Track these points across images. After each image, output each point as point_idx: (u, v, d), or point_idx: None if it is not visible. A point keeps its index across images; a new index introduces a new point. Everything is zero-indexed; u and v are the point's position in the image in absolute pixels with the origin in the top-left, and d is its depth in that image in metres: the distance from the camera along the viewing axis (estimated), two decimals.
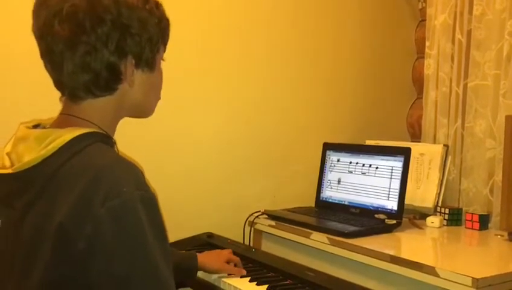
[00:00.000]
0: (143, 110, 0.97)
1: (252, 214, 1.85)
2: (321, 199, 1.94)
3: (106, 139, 0.88)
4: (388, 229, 1.65)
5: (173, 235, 1.65)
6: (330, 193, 1.91)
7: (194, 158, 1.85)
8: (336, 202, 1.89)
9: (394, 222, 1.66)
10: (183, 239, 1.71)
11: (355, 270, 1.47)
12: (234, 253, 1.52)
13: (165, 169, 1.77)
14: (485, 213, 1.79)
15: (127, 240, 0.75)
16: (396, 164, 1.73)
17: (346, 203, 1.85)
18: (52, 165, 0.80)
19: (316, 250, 1.59)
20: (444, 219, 1.79)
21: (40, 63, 0.88)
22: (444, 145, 1.91)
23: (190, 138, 1.84)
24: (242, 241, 1.81)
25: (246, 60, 1.95)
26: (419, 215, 1.84)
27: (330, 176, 1.93)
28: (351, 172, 1.86)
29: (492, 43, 1.88)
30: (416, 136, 2.28)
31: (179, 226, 1.75)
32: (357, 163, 1.85)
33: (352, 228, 1.58)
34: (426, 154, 1.92)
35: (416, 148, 1.88)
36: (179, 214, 1.78)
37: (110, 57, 0.85)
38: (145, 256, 0.76)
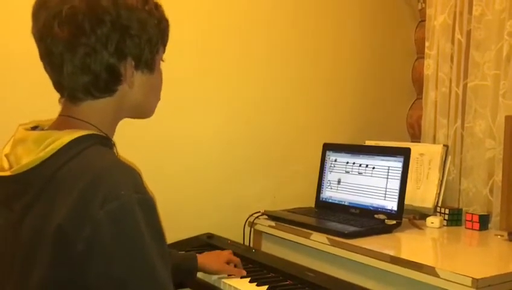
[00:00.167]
0: (143, 111, 0.97)
1: (251, 215, 1.85)
2: (321, 199, 1.94)
3: (105, 141, 0.88)
4: (388, 230, 1.65)
5: (173, 236, 1.66)
6: (330, 194, 1.91)
7: (194, 158, 1.85)
8: (336, 202, 1.89)
9: (394, 222, 1.66)
10: (183, 240, 1.71)
11: (355, 270, 1.47)
12: (234, 254, 1.52)
13: (165, 169, 1.77)
14: (485, 213, 1.79)
15: (125, 243, 0.75)
16: (396, 164, 1.73)
17: (346, 203, 1.85)
18: (50, 167, 0.80)
19: (316, 250, 1.59)
20: (444, 219, 1.79)
21: (40, 64, 0.88)
22: (444, 145, 1.91)
23: (190, 138, 1.84)
24: (242, 242, 1.81)
25: (246, 60, 1.95)
26: (419, 216, 1.84)
27: (330, 176, 1.93)
28: (351, 172, 1.86)
29: (491, 43, 1.88)
30: (416, 137, 2.28)
31: (178, 226, 1.75)
32: (356, 163, 1.85)
33: (352, 229, 1.58)
34: (426, 155, 1.92)
35: (416, 148, 1.88)
36: (178, 215, 1.78)
37: (110, 58, 0.84)
38: (143, 258, 0.76)
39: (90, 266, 0.74)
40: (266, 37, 1.98)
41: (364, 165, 1.82)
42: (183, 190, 1.82)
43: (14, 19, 1.44)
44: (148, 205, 0.78)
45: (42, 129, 0.89)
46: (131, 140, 1.66)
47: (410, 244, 1.64)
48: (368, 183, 1.79)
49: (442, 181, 1.86)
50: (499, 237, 1.64)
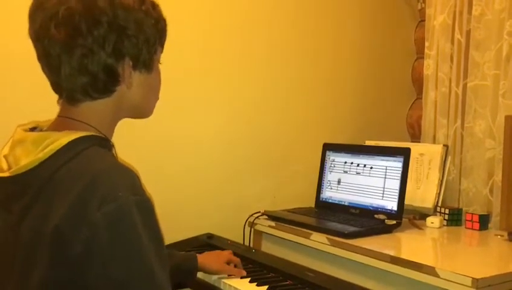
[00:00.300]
0: (142, 111, 0.97)
1: (252, 215, 1.85)
2: (321, 199, 1.94)
3: (104, 143, 0.88)
4: (388, 230, 1.65)
5: (173, 236, 1.66)
6: (330, 194, 1.91)
7: (194, 159, 1.85)
8: (336, 202, 1.89)
9: (394, 222, 1.66)
10: (183, 240, 1.71)
11: (355, 270, 1.47)
12: (234, 254, 1.52)
13: (165, 169, 1.78)
14: (485, 213, 1.79)
15: (123, 245, 0.75)
16: (396, 164, 1.73)
17: (346, 203, 1.85)
18: (49, 168, 0.80)
19: (316, 250, 1.59)
20: (444, 219, 1.79)
21: (39, 65, 0.88)
22: (444, 145, 1.91)
23: (190, 139, 1.84)
24: (242, 242, 1.81)
25: (246, 60, 1.95)
26: (419, 216, 1.84)
27: (330, 176, 1.93)
28: (350, 172, 1.86)
29: (491, 43, 1.88)
30: (416, 137, 2.28)
31: (179, 226, 1.75)
32: (356, 163, 1.85)
33: (352, 229, 1.58)
34: (426, 155, 1.92)
35: (416, 148, 1.88)
36: (179, 215, 1.78)
37: (107, 59, 0.84)
38: (141, 260, 0.76)
39: (88, 268, 0.74)
40: (266, 37, 1.98)
41: (364, 165, 1.82)
42: (184, 190, 1.82)
43: (13, 19, 1.43)
44: (145, 206, 0.78)
45: (41, 130, 0.89)
46: (132, 140, 1.66)
47: (410, 245, 1.64)
48: (368, 183, 1.79)
49: (442, 181, 1.86)
50: (499, 237, 1.64)
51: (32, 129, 0.90)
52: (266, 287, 1.37)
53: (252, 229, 1.84)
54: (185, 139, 1.83)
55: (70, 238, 0.74)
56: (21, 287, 0.81)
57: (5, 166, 0.85)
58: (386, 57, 2.30)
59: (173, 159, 1.80)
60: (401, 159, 1.72)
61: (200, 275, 1.44)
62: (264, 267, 1.51)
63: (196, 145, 1.86)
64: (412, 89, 2.34)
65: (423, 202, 1.87)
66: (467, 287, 1.19)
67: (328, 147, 1.96)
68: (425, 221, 1.79)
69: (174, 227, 1.73)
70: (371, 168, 1.80)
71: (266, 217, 1.83)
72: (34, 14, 0.85)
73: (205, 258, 1.44)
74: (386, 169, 1.75)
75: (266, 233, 1.81)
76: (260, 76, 1.98)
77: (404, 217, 1.72)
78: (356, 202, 1.82)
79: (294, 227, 1.69)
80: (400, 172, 1.71)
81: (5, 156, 0.86)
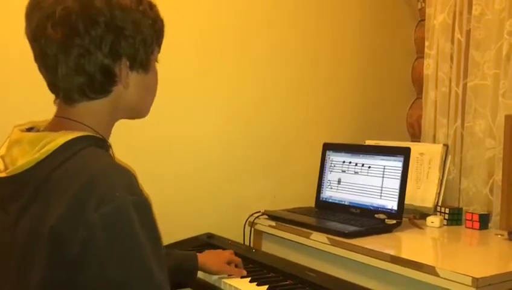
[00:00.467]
0: (138, 112, 0.96)
1: (252, 215, 1.85)
2: (321, 199, 1.94)
3: (100, 143, 0.88)
4: (388, 229, 1.65)
5: (173, 236, 1.66)
6: (330, 193, 1.91)
7: (194, 159, 1.85)
8: (336, 202, 1.89)
9: (394, 221, 1.66)
10: (183, 240, 1.71)
11: (355, 270, 1.47)
12: (235, 254, 1.52)
13: (165, 169, 1.78)
14: (485, 213, 1.79)
15: (121, 245, 0.75)
16: (396, 163, 1.73)
17: (346, 203, 1.85)
18: (45, 168, 0.80)
19: (316, 250, 1.59)
20: (444, 219, 1.79)
21: (36, 65, 0.88)
22: (444, 145, 1.91)
23: (190, 139, 1.84)
24: (242, 242, 1.81)
25: (246, 60, 1.95)
26: (419, 215, 1.84)
27: (330, 176, 1.93)
28: (350, 172, 1.86)
29: (491, 42, 1.88)
30: (416, 136, 2.28)
31: (179, 226, 1.75)
32: (356, 163, 1.85)
33: (352, 228, 1.58)
34: (426, 154, 1.92)
35: (416, 148, 1.88)
36: (179, 215, 1.78)
37: (104, 59, 0.84)
38: (139, 260, 0.76)
39: (86, 268, 0.74)
40: (266, 36, 1.98)
41: (364, 165, 1.82)
42: (184, 190, 1.82)
43: (11, 19, 1.43)
44: (143, 206, 0.78)
45: (38, 130, 0.89)
46: (133, 141, 1.66)
47: (411, 244, 1.64)
48: (368, 182, 1.79)
49: (442, 181, 1.86)
50: (499, 236, 1.64)
51: (29, 129, 0.89)
52: (266, 287, 1.37)
53: (252, 229, 1.84)
54: (185, 139, 1.83)
55: (68, 239, 0.74)
56: (18, 287, 0.81)
57: (1, 166, 0.85)
58: (386, 56, 2.30)
59: (173, 159, 1.80)
60: (401, 158, 1.72)
61: (200, 274, 1.44)
62: (264, 267, 1.51)
63: (196, 145, 1.86)
64: (412, 88, 2.34)
65: (423, 202, 1.87)
66: (467, 287, 1.19)
67: (328, 147, 1.96)
68: (425, 220, 1.78)
69: (175, 227, 1.73)
70: (371, 167, 1.80)
71: (266, 216, 1.83)
72: (30, 13, 0.85)
73: (206, 258, 1.43)
74: (386, 169, 1.75)
75: (266, 233, 1.81)
76: (260, 75, 1.98)
77: (404, 216, 1.72)
78: (356, 202, 1.82)
79: (294, 227, 1.69)
80: (400, 172, 1.71)
81: (2, 157, 0.86)
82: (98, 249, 0.74)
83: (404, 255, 1.40)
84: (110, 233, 0.74)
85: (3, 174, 0.83)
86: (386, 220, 1.67)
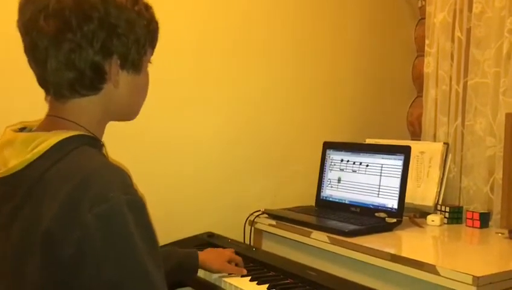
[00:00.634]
0: (128, 112, 0.95)
1: (252, 214, 1.85)
2: (321, 198, 1.94)
3: (93, 142, 0.87)
4: (388, 228, 1.65)
5: (174, 235, 1.66)
6: (330, 192, 1.91)
7: (194, 158, 1.85)
8: (336, 200, 1.88)
9: (394, 220, 1.66)
10: (183, 239, 1.71)
11: (355, 269, 1.47)
12: (235, 253, 1.52)
13: (165, 169, 1.78)
14: (486, 211, 1.79)
15: (116, 245, 0.75)
16: (397, 162, 1.73)
17: (346, 202, 1.85)
18: (38, 169, 0.80)
19: (316, 249, 1.59)
20: (445, 217, 1.79)
21: (28, 68, 0.88)
22: (444, 143, 1.91)
23: (190, 139, 1.84)
24: (242, 241, 1.81)
25: (246, 59, 1.94)
26: (420, 214, 1.84)
27: (330, 175, 1.92)
28: (351, 171, 1.86)
29: (492, 41, 1.88)
30: (416, 135, 2.28)
31: (179, 226, 1.75)
32: (357, 162, 1.85)
33: (352, 227, 1.58)
34: (426, 153, 1.91)
35: (416, 146, 1.88)
36: (179, 214, 1.78)
37: (95, 56, 0.84)
38: (135, 259, 0.76)
39: (82, 269, 0.74)
40: (266, 33, 1.98)
41: (365, 164, 1.82)
42: (184, 189, 1.82)
43: (11, 19, 1.43)
44: (137, 206, 0.78)
45: (30, 130, 0.88)
46: (133, 141, 1.66)
47: (411, 243, 1.64)
48: (368, 181, 1.79)
49: (442, 179, 1.86)
50: (499, 234, 1.64)
51: (22, 130, 0.89)
52: (267, 285, 1.37)
53: (253, 228, 1.84)
54: (185, 139, 1.83)
55: (62, 240, 0.74)
56: (14, 288, 0.81)
57: None
58: (387, 55, 2.29)
59: (174, 159, 1.80)
60: (402, 157, 1.72)
61: (200, 273, 1.44)
62: (265, 266, 1.51)
63: (196, 146, 1.86)
64: (412, 87, 2.34)
65: (424, 200, 1.87)
66: (467, 285, 1.19)
67: (328, 146, 1.96)
68: (425, 219, 1.78)
69: (175, 226, 1.73)
70: (371, 166, 1.80)
71: (267, 215, 1.83)
72: (24, 6, 0.85)
73: (207, 256, 1.43)
74: (387, 167, 1.75)
75: (267, 232, 1.81)
76: (260, 74, 1.98)
77: (404, 215, 1.72)
78: (357, 201, 1.82)
79: (294, 225, 1.69)
80: (400, 170, 1.71)
81: None
82: (93, 250, 0.73)
83: (405, 253, 1.40)
84: (105, 233, 0.74)
85: None
86: (387, 218, 1.67)
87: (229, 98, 1.92)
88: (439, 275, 1.25)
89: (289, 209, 1.88)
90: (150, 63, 0.95)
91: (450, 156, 1.89)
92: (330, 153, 1.95)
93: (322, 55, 2.13)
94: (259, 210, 1.85)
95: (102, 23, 0.83)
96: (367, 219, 1.68)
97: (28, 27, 0.83)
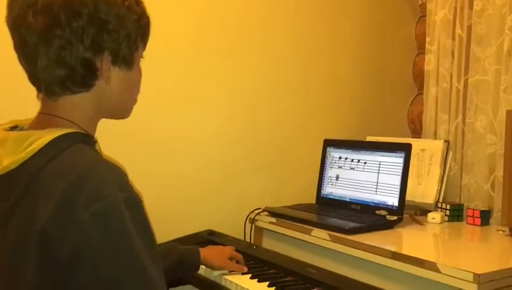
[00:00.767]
0: (121, 109, 0.95)
1: (252, 211, 1.85)
2: (322, 195, 1.94)
3: (87, 139, 0.87)
4: (389, 226, 1.65)
5: (174, 233, 1.66)
6: (331, 190, 1.91)
7: (194, 157, 1.85)
8: (337, 198, 1.88)
9: (395, 218, 1.66)
10: (184, 236, 1.71)
11: (356, 266, 1.47)
12: (236, 250, 1.52)
13: (166, 169, 1.77)
14: (486, 209, 1.79)
15: (113, 243, 0.74)
16: (397, 160, 1.73)
17: (347, 199, 1.85)
18: (32, 167, 0.79)
19: (317, 246, 1.59)
20: (445, 215, 1.79)
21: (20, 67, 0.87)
22: (445, 141, 1.91)
23: (191, 138, 1.84)
24: (243, 239, 1.81)
25: (245, 58, 1.94)
26: (420, 211, 1.84)
27: (331, 172, 1.92)
28: (351, 168, 1.86)
29: (492, 38, 1.87)
30: (417, 132, 2.28)
31: (180, 224, 1.75)
32: (357, 159, 1.85)
33: (353, 224, 1.58)
34: (427, 150, 1.91)
35: (417, 144, 1.88)
36: (180, 213, 1.78)
37: (85, 52, 0.83)
38: (132, 257, 0.75)
39: (79, 268, 0.73)
40: (267, 32, 1.97)
41: (365, 161, 1.82)
42: (185, 188, 1.82)
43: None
44: (134, 203, 0.77)
45: (21, 129, 0.88)
46: (133, 141, 1.66)
47: (412, 240, 1.64)
48: (369, 179, 1.79)
49: (443, 177, 1.85)
50: (500, 232, 1.64)
51: (13, 128, 0.88)
52: (267, 283, 1.37)
53: (253, 226, 1.84)
54: (185, 138, 1.83)
55: (58, 239, 0.73)
56: (11, 286, 0.80)
57: None
58: (387, 52, 2.29)
59: (174, 158, 1.80)
60: (402, 154, 1.72)
61: (201, 271, 1.44)
62: (265, 264, 1.51)
63: (197, 145, 1.85)
64: (413, 84, 2.34)
65: (424, 198, 1.87)
66: (468, 283, 1.19)
67: (328, 143, 1.96)
68: (426, 217, 1.78)
69: (176, 224, 1.73)
70: (372, 164, 1.79)
71: (267, 213, 1.83)
72: (12, 2, 0.84)
73: (208, 253, 1.43)
74: (387, 165, 1.75)
75: (267, 229, 1.81)
76: (259, 74, 1.97)
77: (405, 213, 1.72)
78: (357, 198, 1.82)
79: (295, 223, 1.69)
80: (401, 168, 1.71)
81: None
82: (91, 248, 0.73)
83: (405, 251, 1.40)
84: (102, 231, 0.73)
85: None
86: (387, 216, 1.67)
87: (229, 98, 1.91)
88: (440, 272, 1.25)
89: (289, 207, 1.88)
90: (142, 58, 0.94)
91: (450, 154, 1.89)
92: (331, 151, 1.94)
93: (322, 53, 2.12)
94: (260, 208, 1.85)
95: (92, 19, 0.82)
96: (368, 217, 1.68)
97: (17, 23, 0.82)
